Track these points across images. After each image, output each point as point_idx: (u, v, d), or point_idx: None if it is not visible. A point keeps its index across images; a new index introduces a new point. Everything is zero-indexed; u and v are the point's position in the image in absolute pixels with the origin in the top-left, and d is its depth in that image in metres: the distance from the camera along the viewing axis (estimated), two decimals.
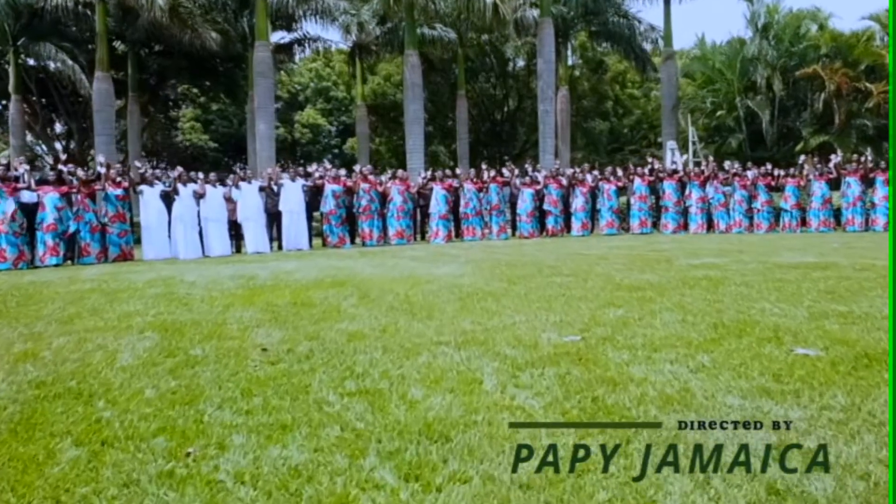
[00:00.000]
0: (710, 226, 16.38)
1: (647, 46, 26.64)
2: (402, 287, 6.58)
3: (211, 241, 12.39)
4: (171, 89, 33.74)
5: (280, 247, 13.75)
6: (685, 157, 17.09)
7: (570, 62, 28.97)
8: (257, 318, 5.00)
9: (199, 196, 12.41)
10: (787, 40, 19.15)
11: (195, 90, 33.04)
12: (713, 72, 20.53)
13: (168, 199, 12.28)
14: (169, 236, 12.08)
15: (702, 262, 8.37)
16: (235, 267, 9.39)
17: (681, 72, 23.21)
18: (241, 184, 12.98)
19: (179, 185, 12.06)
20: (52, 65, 26.38)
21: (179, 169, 12.65)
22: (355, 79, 27.88)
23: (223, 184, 13.22)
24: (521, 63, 32.42)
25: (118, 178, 11.66)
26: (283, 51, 26.49)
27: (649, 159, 17.71)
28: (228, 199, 13.16)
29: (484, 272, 7.82)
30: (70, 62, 22.52)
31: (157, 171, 13.24)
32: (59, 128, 33.90)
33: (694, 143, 19.61)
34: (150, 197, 11.82)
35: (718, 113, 19.67)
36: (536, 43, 21.77)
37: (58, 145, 31.47)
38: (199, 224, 12.50)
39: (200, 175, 12.59)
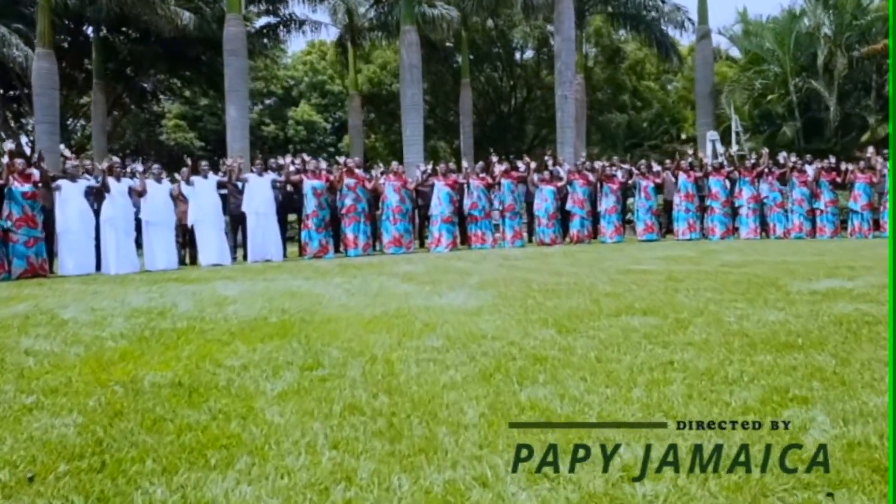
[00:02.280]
0: (763, 229, 13.74)
1: (673, 32, 23.95)
2: (383, 341, 3.94)
3: (153, 251, 9.77)
4: (151, 80, 31.08)
5: (246, 256, 11.12)
6: (733, 149, 14.34)
7: (584, 50, 26.31)
8: (40, 459, 2.35)
9: (137, 194, 9.78)
10: (850, 12, 16.41)
11: (176, 81, 30.36)
12: (762, 50, 17.77)
13: (100, 196, 9.67)
14: (97, 245, 9.45)
15: (828, 288, 5.73)
16: (158, 291, 6.75)
17: (715, 53, 20.35)
18: (195, 178, 10.35)
19: (110, 180, 9.42)
20: (16, 54, 23.84)
21: (115, 159, 10.05)
22: (347, 68, 25.18)
23: (172, 178, 10.61)
24: (529, 53, 29.82)
25: (27, 171, 9.00)
26: (268, 35, 23.82)
27: (690, 151, 15.05)
28: (178, 198, 10.54)
29: (511, 304, 5.19)
30: (24, 46, 19.83)
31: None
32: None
33: (737, 132, 17.01)
34: (69, 194, 9.18)
35: (770, 97, 16.95)
36: (554, 18, 19.10)
37: (24, 139, 28.84)
38: (139, 229, 9.89)
39: (139, 167, 9.96)
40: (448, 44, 27.75)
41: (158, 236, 9.79)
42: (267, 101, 41.18)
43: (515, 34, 27.07)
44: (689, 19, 23.00)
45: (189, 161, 10.29)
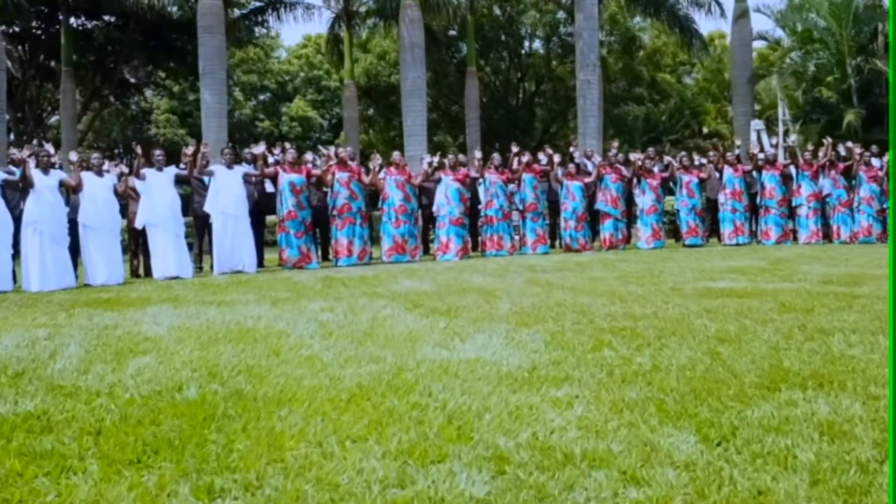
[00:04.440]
0: (825, 232, 11.78)
1: (698, 16, 21.95)
2: (368, 471, 1.96)
3: (92, 262, 7.79)
4: (134, 73, 29.09)
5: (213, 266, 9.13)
6: (790, 139, 12.28)
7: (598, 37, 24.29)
8: None
9: (71, 190, 7.82)
10: None
11: (160, 74, 28.38)
12: (817, 28, 15.60)
13: (24, 193, 7.69)
14: (14, 255, 7.49)
15: None
16: (60, 323, 4.77)
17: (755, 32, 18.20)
18: (147, 171, 8.36)
19: (34, 173, 7.45)
20: None
21: (48, 147, 8.07)
22: (341, 57, 23.16)
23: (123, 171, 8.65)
24: (538, 44, 27.82)
25: None
26: (256, 21, 21.82)
27: (738, 142, 13.05)
28: (128, 195, 8.59)
29: (582, 361, 3.22)
30: None
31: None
32: None
33: (785, 122, 15.00)
34: None
35: (829, 79, 14.89)
36: None
37: None
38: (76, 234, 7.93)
39: (74, 156, 7.97)
40: (451, 31, 25.82)
41: (99, 243, 7.81)
42: (261, 97, 39.45)
43: (525, 19, 25.06)
44: (717, 1, 21.07)
45: (138, 149, 8.31)
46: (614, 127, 25.60)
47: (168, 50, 24.27)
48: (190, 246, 9.42)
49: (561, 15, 25.52)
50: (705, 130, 25.67)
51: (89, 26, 24.98)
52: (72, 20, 23.59)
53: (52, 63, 24.65)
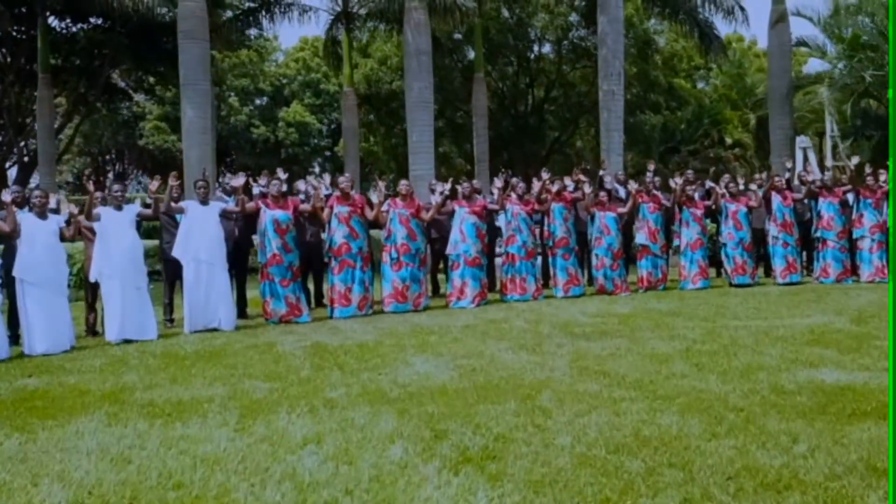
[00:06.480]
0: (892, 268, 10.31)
1: (717, 20, 20.52)
2: None
3: (31, 326, 6.35)
4: (126, 76, 27.65)
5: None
6: (853, 160, 10.76)
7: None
8: None
9: (6, 236, 6.38)
10: None
11: (148, 78, 26.93)
12: (871, 34, 13.95)
13: None
14: None
15: None
16: None
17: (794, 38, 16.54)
18: (103, 210, 6.90)
19: None
20: None
21: None
22: (339, 61, 21.74)
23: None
24: (548, 48, 26.36)
25: None
26: (248, 22, 20.38)
27: (787, 164, 11.57)
28: (77, 237, 7.15)
29: None
30: None
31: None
32: None
33: (833, 137, 13.52)
34: None
35: None
36: None
37: None
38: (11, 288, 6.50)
39: (7, 196, 6.44)
40: (456, 35, 24.37)
41: (40, 302, 6.36)
42: (257, 101, 38.11)
43: (535, 23, 23.60)
44: (740, 5, 19.62)
45: (90, 185, 6.82)
46: (629, 137, 24.16)
47: (157, 53, 22.83)
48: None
49: (574, 18, 24.10)
50: (728, 141, 24.17)
51: (74, 29, 23.64)
52: (55, 23, 22.25)
53: (35, 68, 23.30)
